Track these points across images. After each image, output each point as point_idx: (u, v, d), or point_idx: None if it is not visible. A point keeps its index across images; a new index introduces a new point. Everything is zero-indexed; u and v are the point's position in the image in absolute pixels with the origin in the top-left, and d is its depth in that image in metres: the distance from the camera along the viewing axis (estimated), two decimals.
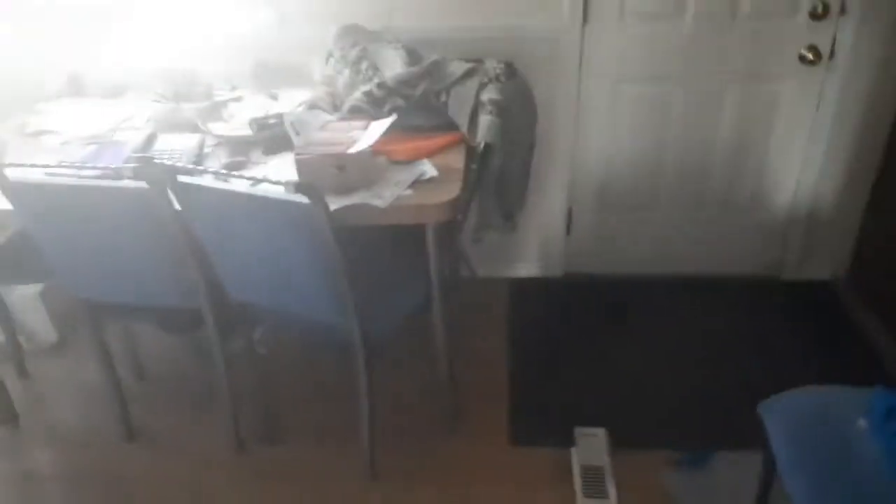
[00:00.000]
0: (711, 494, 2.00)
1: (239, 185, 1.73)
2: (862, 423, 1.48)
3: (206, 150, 2.08)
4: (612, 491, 2.02)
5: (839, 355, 2.50)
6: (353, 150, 1.80)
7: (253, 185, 1.74)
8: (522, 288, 2.91)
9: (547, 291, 2.90)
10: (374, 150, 1.85)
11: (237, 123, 2.17)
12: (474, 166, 2.03)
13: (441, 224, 1.84)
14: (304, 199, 1.60)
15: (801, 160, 2.65)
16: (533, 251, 2.92)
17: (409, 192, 1.81)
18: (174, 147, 2.04)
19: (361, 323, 1.85)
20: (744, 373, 2.42)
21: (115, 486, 2.14)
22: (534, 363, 2.52)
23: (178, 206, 1.79)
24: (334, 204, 1.70)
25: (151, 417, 2.36)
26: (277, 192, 1.63)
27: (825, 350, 2.53)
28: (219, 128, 2.15)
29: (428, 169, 1.89)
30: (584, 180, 2.75)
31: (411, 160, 1.93)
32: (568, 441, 2.17)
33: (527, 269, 2.96)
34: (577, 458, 2.12)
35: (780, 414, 1.56)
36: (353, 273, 1.75)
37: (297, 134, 1.99)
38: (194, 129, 2.15)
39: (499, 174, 2.09)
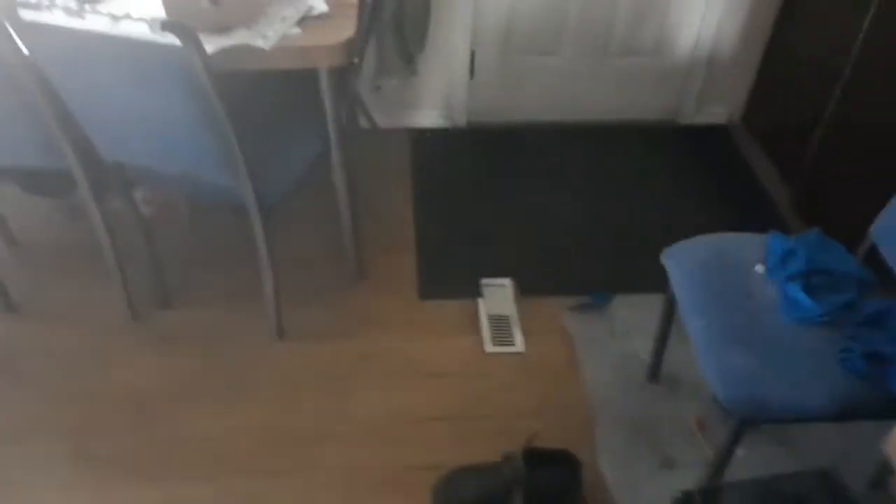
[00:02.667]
0: (609, 333, 2.08)
1: (96, 22, 1.48)
2: (759, 268, 1.53)
3: None
4: (518, 337, 2.06)
5: (735, 199, 2.57)
6: None
7: (113, 22, 1.49)
8: (425, 138, 2.80)
9: (450, 141, 2.80)
10: None
11: None
12: (369, 0, 1.83)
13: (336, 69, 1.67)
14: (174, 41, 1.39)
15: (704, 2, 2.58)
16: (435, 98, 2.77)
17: (296, 30, 1.61)
18: None
19: (254, 181, 1.70)
20: (642, 218, 2.47)
21: (1, 362, 2.00)
22: (439, 215, 2.47)
23: (24, 50, 1.53)
24: (210, 46, 1.49)
25: (31, 287, 2.18)
26: (142, 31, 1.41)
27: (721, 194, 2.60)
28: None
29: (317, 3, 1.68)
30: (487, 21, 2.59)
31: None
32: (475, 292, 2.18)
33: (429, 118, 2.83)
34: (485, 308, 2.14)
35: (681, 260, 1.59)
36: (240, 127, 1.58)
37: None
38: None
39: (397, 9, 1.90)
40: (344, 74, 1.84)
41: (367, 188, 2.41)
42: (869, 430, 1.28)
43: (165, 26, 1.35)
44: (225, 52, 1.54)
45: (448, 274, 2.26)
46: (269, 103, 1.98)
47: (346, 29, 1.63)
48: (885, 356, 1.33)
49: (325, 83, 1.69)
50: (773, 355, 1.36)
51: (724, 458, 1.45)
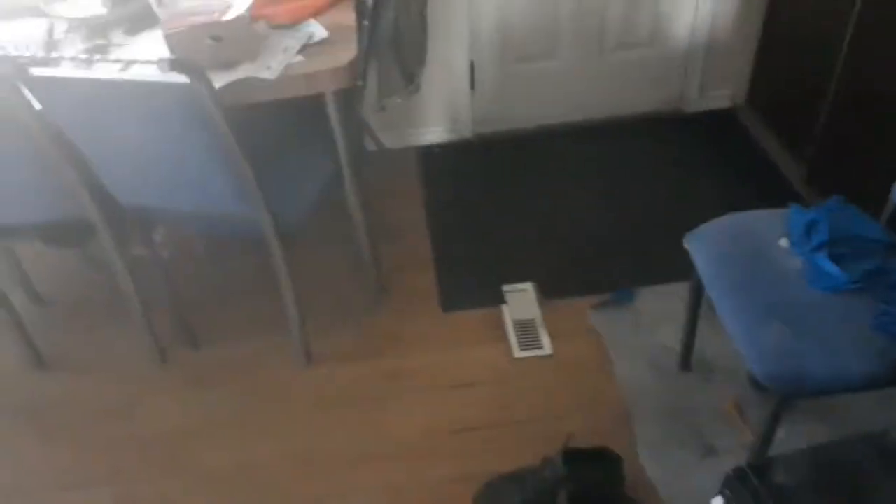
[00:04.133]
0: (637, 327, 2.07)
1: (105, 71, 1.52)
2: (783, 241, 1.52)
3: (58, 36, 1.80)
4: (545, 341, 2.06)
5: (749, 179, 2.57)
6: (227, 18, 1.59)
7: (122, 69, 1.53)
8: (435, 154, 2.82)
9: (458, 154, 2.82)
10: (252, 15, 1.65)
11: (86, 2, 1.88)
12: (366, 22, 1.86)
13: (341, 92, 1.69)
14: (182, 79, 1.41)
15: None
16: (439, 113, 2.79)
17: (299, 58, 1.64)
18: (17, 37, 1.76)
19: (271, 211, 1.72)
20: (659, 209, 2.47)
21: (34, 418, 2.01)
22: (454, 228, 2.48)
23: (37, 105, 1.56)
24: (218, 81, 1.52)
25: (59, 341, 2.20)
26: (151, 74, 1.44)
27: (735, 176, 2.59)
28: (66, 9, 1.86)
29: (317, 30, 1.71)
30: (483, 31, 2.62)
31: (296, 22, 1.74)
32: (498, 299, 2.18)
33: (435, 133, 2.85)
34: (509, 314, 2.14)
35: (705, 241, 1.59)
36: (253, 158, 1.60)
37: (160, 5, 1.75)
38: (36, 13, 1.86)
39: (394, 30, 1.93)
40: (349, 97, 1.87)
41: (381, 208, 2.44)
42: None
43: (174, 65, 1.37)
44: (232, 87, 1.57)
45: (469, 284, 2.26)
46: (278, 133, 2.00)
47: (348, 52, 1.66)
48: None
49: (331, 107, 1.72)
50: (808, 327, 1.35)
51: (766, 436, 1.44)
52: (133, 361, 2.12)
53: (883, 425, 1.64)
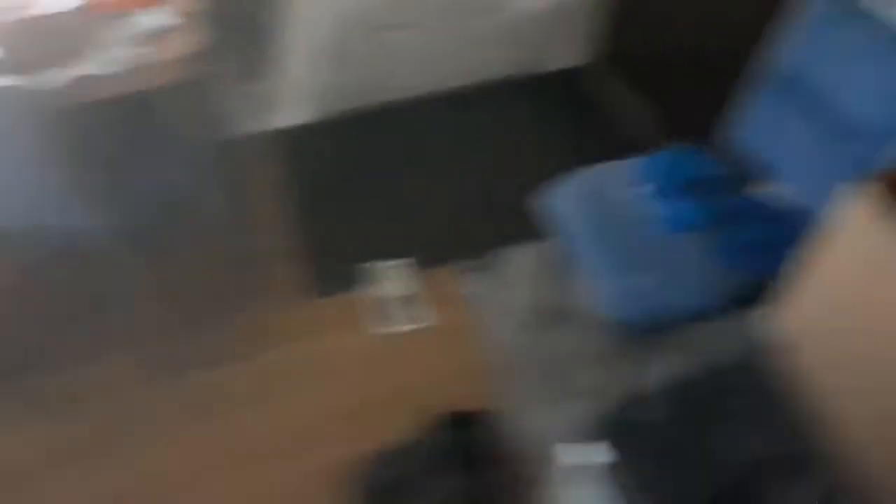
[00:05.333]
0: (507, 287, 2.16)
1: None
2: (635, 189, 1.62)
3: None
4: (421, 313, 2.10)
5: (607, 135, 2.68)
6: (55, 10, 1.49)
7: None
8: (294, 137, 2.76)
9: (322, 135, 2.76)
10: (85, 5, 1.55)
11: None
12: (216, 8, 1.79)
13: (190, 81, 1.63)
14: (7, 81, 1.31)
15: None
16: (300, 94, 2.72)
17: (141, 50, 1.56)
18: None
19: (116, 218, 1.63)
20: (520, 171, 2.49)
21: None
22: (322, 211, 2.46)
23: None
24: (50, 79, 1.42)
25: None
26: None
27: (593, 132, 2.70)
28: None
29: (157, 18, 1.63)
30: (339, 7, 2.51)
31: (132, 9, 1.64)
32: (372, 278, 2.20)
33: (296, 115, 2.76)
34: (383, 291, 2.17)
35: (561, 199, 1.66)
36: (92, 162, 1.51)
37: None
38: None
39: (246, 12, 1.86)
40: (199, 86, 1.80)
41: (244, 197, 2.35)
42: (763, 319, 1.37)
43: (3, 65, 1.27)
44: (68, 85, 1.47)
45: (341, 267, 2.26)
46: (121, 131, 1.89)
47: (195, 38, 1.59)
48: (762, 245, 1.44)
49: (179, 99, 1.65)
50: (660, 268, 1.45)
51: (635, 378, 1.52)
52: None
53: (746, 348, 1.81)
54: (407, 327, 2.06)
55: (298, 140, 2.75)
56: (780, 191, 1.58)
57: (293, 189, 2.53)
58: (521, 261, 2.22)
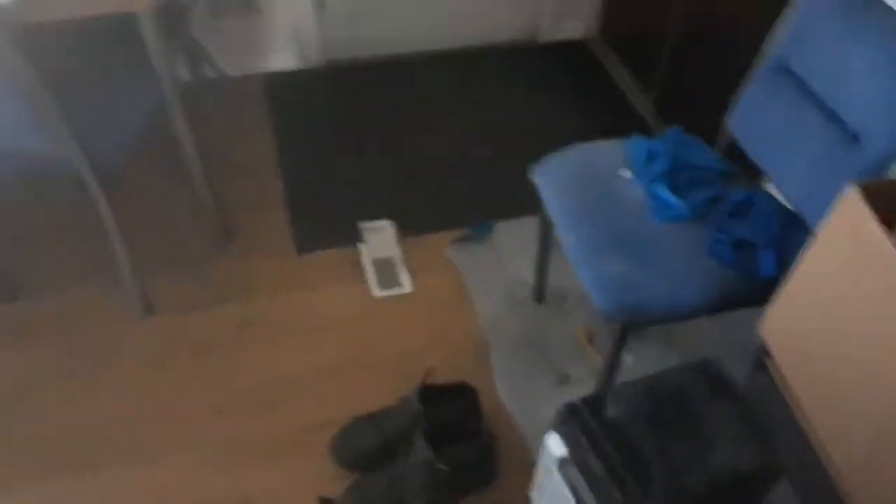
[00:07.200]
0: (494, 261, 2.06)
1: None
2: (624, 172, 1.52)
3: None
4: (404, 278, 2.01)
5: (601, 111, 2.59)
6: None
7: None
8: (280, 83, 2.63)
9: (308, 83, 2.65)
10: None
11: None
12: None
13: (159, 10, 1.49)
14: None
15: None
16: (285, 37, 2.59)
17: None
18: None
19: (85, 148, 1.52)
20: (513, 142, 2.44)
21: None
22: (306, 162, 2.34)
23: None
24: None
25: None
26: None
27: (587, 107, 2.60)
28: None
29: None
30: None
31: None
32: (355, 238, 2.10)
33: (282, 60, 2.64)
34: (367, 252, 2.07)
35: (549, 173, 1.57)
36: (59, 87, 1.39)
37: None
38: None
39: None
40: (172, 17, 1.66)
41: (224, 141, 2.25)
42: (747, 319, 1.33)
43: None
44: (27, 3, 1.34)
45: (324, 223, 2.16)
46: (89, 59, 1.76)
47: None
48: (752, 243, 1.37)
49: (148, 28, 1.51)
50: (647, 258, 1.37)
51: (611, 366, 1.47)
52: None
53: (723, 344, 1.76)
54: (387, 292, 1.97)
55: (288, 86, 2.62)
56: (774, 187, 1.52)
57: (279, 137, 2.41)
58: (512, 235, 2.11)
